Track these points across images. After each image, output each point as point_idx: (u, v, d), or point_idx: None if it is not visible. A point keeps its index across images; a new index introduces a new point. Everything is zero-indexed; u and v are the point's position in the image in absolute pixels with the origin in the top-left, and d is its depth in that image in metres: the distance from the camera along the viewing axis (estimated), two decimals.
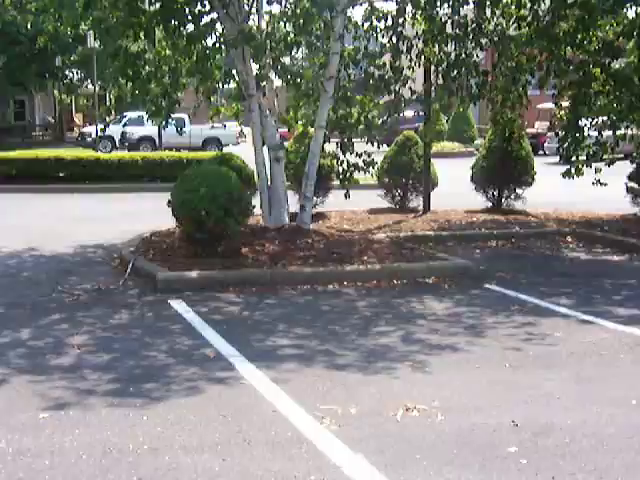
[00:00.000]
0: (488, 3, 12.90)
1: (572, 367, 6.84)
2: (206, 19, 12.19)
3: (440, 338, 7.74)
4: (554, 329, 8.03)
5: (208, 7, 12.16)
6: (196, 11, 12.03)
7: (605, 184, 14.49)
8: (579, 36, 13.51)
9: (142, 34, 12.32)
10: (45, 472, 4.76)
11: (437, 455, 4.99)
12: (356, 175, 13.77)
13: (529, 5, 13.31)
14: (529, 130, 30.81)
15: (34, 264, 11.51)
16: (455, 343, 7.55)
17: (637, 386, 6.32)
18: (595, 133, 15.06)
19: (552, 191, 18.39)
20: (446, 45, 13.21)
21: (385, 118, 13.85)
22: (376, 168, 14.33)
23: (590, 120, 15.12)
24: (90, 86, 46.44)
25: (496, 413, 5.70)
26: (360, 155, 13.42)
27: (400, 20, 12.70)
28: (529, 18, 13.38)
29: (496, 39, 13.27)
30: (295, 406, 5.83)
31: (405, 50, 12.97)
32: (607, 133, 15.09)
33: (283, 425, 5.48)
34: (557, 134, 15.01)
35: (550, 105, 15.55)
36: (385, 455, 5.00)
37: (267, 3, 12.73)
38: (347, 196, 13.37)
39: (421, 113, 16.61)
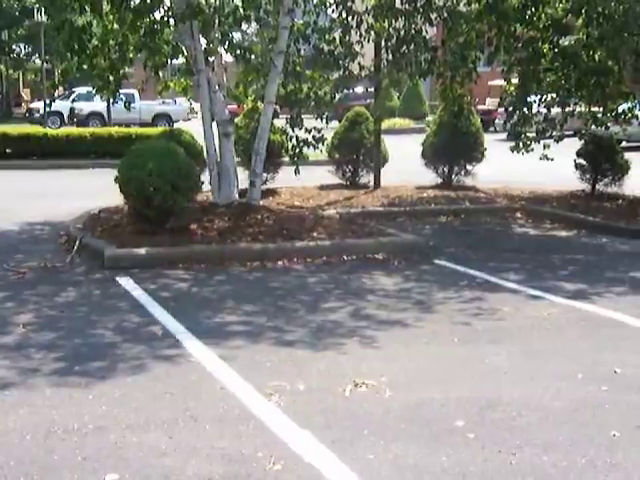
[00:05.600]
0: None
1: (520, 342, 6.90)
2: None
3: (389, 314, 7.76)
4: (503, 304, 8.08)
5: None
6: None
7: (552, 159, 14.60)
8: (528, 12, 13.54)
9: (88, 7, 12.09)
10: None
11: (385, 430, 4.99)
12: (306, 151, 13.68)
13: None
14: (480, 107, 30.93)
15: None
16: (404, 318, 7.57)
17: (583, 360, 6.38)
18: (544, 110, 15.15)
19: (502, 167, 18.45)
20: (396, 20, 13.17)
21: (335, 94, 13.78)
22: (326, 144, 14.26)
23: (539, 97, 15.19)
24: (38, 61, 45.75)
25: (444, 388, 5.72)
26: (310, 131, 13.34)
27: None
28: None
29: (446, 15, 13.26)
30: (243, 383, 5.79)
31: (355, 25, 12.93)
32: (556, 110, 15.20)
33: (231, 402, 5.44)
34: (506, 110, 15.06)
35: (502, 82, 15.58)
36: (333, 431, 4.98)
37: None
38: (297, 172, 13.30)
39: (371, 89, 16.56)
